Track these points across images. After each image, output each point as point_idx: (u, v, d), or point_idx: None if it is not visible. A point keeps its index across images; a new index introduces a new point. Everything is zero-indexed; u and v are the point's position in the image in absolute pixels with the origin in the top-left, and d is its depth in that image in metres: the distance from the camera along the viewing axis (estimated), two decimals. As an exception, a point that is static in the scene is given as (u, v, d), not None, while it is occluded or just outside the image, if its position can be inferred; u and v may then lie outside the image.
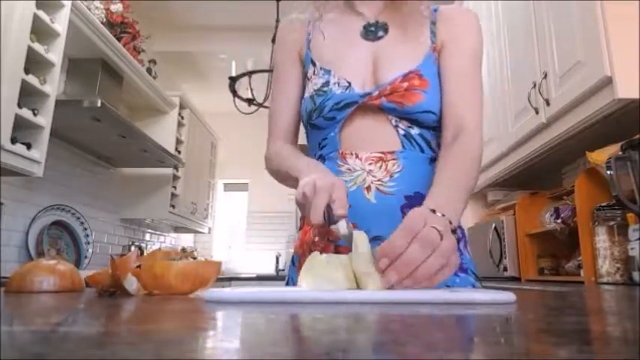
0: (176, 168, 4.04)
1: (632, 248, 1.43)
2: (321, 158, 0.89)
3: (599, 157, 1.57)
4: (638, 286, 1.37)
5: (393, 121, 0.85)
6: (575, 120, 1.70)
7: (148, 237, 4.34)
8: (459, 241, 0.86)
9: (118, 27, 3.09)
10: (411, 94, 0.83)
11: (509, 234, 2.35)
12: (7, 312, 0.41)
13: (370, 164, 0.84)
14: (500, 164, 2.48)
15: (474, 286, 0.86)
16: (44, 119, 2.19)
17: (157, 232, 4.56)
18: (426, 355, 0.24)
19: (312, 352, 0.24)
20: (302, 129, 0.98)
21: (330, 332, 0.32)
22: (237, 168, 5.60)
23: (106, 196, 3.57)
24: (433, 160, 0.87)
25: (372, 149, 0.84)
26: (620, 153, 1.40)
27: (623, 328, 0.35)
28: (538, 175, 2.47)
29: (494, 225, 2.46)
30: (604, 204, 1.60)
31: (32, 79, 2.10)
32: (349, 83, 0.86)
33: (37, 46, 2.13)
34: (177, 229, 4.82)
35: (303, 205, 0.72)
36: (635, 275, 1.41)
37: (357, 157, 0.85)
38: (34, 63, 2.14)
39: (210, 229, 5.24)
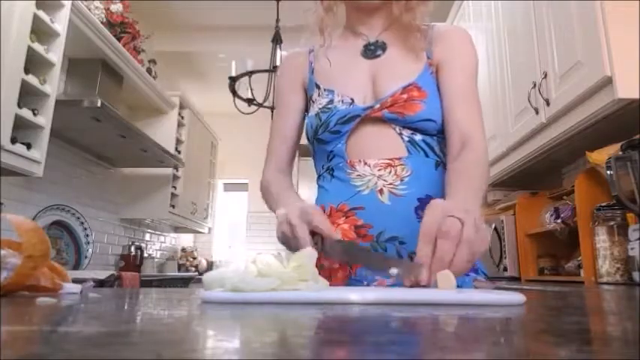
0: (176, 168, 4.04)
1: (632, 248, 1.43)
2: (330, 169, 0.94)
3: (599, 157, 1.57)
4: (638, 286, 1.37)
5: (397, 130, 0.89)
6: (575, 120, 1.70)
7: (148, 237, 4.34)
8: None
9: (118, 27, 3.09)
10: (411, 104, 0.88)
11: (509, 234, 2.35)
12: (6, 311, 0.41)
13: (379, 170, 0.88)
14: (500, 164, 2.48)
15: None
16: (44, 119, 2.19)
17: (157, 232, 4.56)
18: (426, 356, 0.24)
19: (311, 353, 0.24)
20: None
21: (331, 333, 0.32)
22: (237, 168, 5.60)
23: (106, 196, 3.57)
24: (438, 165, 0.91)
25: (379, 156, 0.88)
26: (620, 153, 1.40)
27: (623, 328, 0.35)
28: (538, 175, 2.47)
29: (494, 225, 2.46)
30: (604, 204, 1.60)
31: (32, 79, 2.10)
32: (352, 100, 0.92)
33: (37, 46, 2.13)
34: (177, 229, 4.82)
35: (288, 242, 0.76)
36: (635, 275, 1.41)
37: (365, 164, 0.89)
38: (34, 63, 2.14)
39: (210, 229, 5.25)
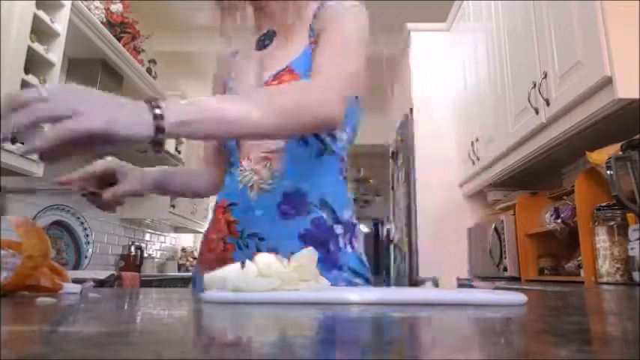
0: (176, 168, 4.04)
1: (632, 248, 1.43)
2: (230, 165, 0.93)
3: (599, 157, 1.57)
4: (638, 286, 1.37)
5: None
6: (575, 120, 1.70)
7: (147, 237, 4.34)
8: (337, 237, 0.86)
9: (118, 27, 3.09)
10: None
11: (509, 234, 2.35)
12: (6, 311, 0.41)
13: (257, 164, 0.87)
14: (500, 164, 2.48)
15: (350, 283, 0.85)
16: (44, 119, 2.19)
17: (157, 232, 4.56)
18: (426, 356, 0.24)
19: (311, 353, 0.24)
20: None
21: (331, 333, 0.32)
22: (237, 168, 5.60)
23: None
24: (322, 152, 0.87)
25: (260, 150, 0.87)
26: (620, 153, 1.40)
27: (623, 328, 0.35)
28: (538, 175, 2.47)
29: (494, 225, 2.46)
30: (604, 204, 1.60)
31: (32, 79, 2.10)
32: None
33: (37, 46, 2.13)
34: (177, 229, 4.82)
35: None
36: (635, 275, 1.41)
37: (248, 159, 0.89)
38: (34, 63, 2.14)
39: (210, 229, 5.24)
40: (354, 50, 0.82)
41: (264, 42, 0.96)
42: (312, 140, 0.86)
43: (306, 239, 0.84)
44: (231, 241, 0.88)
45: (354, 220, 0.91)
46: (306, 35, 0.90)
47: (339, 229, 0.87)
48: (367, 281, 0.88)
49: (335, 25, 0.84)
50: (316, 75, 0.78)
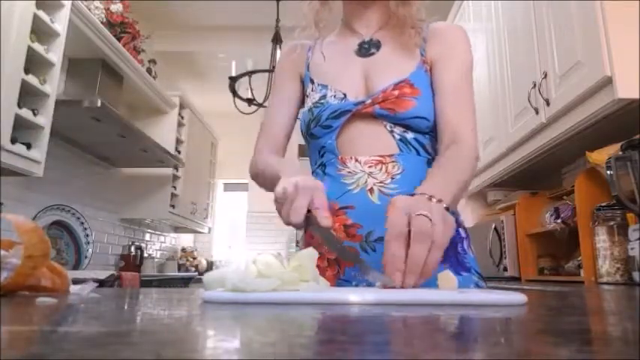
0: (176, 168, 4.04)
1: (632, 248, 1.42)
2: (322, 165, 0.93)
3: (599, 157, 1.57)
4: (638, 286, 1.37)
5: (388, 127, 0.89)
6: (575, 120, 1.70)
7: (147, 237, 4.34)
8: (462, 240, 0.89)
9: (118, 27, 3.09)
10: (403, 101, 0.87)
11: (509, 234, 2.35)
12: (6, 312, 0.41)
13: (370, 167, 0.87)
14: (500, 164, 2.48)
15: (477, 286, 0.87)
16: (44, 119, 2.19)
17: (157, 232, 4.56)
18: (426, 356, 0.24)
19: (311, 353, 0.24)
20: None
21: (331, 333, 0.32)
22: (237, 168, 5.58)
23: (106, 196, 3.57)
24: (429, 163, 0.90)
25: (371, 153, 0.88)
26: (620, 153, 1.40)
27: (623, 328, 0.35)
28: (538, 175, 2.47)
29: (494, 225, 2.46)
30: (604, 204, 1.60)
31: (32, 79, 2.10)
32: (344, 95, 0.92)
33: (37, 46, 2.13)
34: (177, 229, 4.82)
35: (282, 202, 0.71)
36: (635, 275, 1.41)
37: (356, 160, 0.88)
38: (34, 63, 2.14)
39: (210, 229, 5.25)
40: (471, 89, 0.93)
41: (368, 49, 0.96)
42: (423, 152, 0.90)
43: None
44: (350, 245, 0.84)
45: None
46: (417, 50, 0.93)
47: (462, 233, 0.90)
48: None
49: (453, 62, 0.92)
50: (458, 134, 0.85)
